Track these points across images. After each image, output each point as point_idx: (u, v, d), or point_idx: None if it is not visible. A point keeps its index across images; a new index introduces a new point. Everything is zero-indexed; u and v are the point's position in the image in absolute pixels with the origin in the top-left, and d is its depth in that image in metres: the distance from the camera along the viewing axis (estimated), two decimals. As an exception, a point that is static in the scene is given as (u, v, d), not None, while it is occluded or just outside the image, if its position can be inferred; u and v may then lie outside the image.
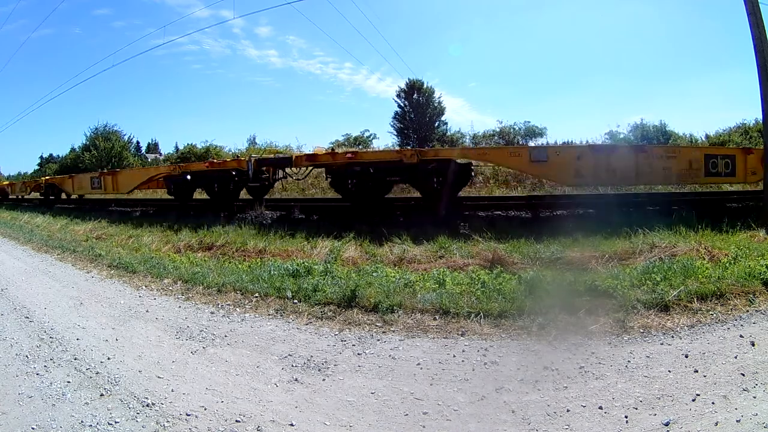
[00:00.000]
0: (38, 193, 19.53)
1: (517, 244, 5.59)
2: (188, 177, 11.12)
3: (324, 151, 10.27)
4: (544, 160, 7.52)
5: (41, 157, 50.26)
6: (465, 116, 77.34)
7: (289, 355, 3.29)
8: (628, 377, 2.72)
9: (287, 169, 10.27)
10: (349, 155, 8.91)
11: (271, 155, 10.90)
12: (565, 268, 4.66)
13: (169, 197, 12.66)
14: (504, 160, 8.34)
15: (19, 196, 22.04)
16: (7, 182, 27.12)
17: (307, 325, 3.85)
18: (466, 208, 8.98)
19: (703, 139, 20.27)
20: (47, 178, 20.40)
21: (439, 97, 34.97)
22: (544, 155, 7.61)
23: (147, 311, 4.39)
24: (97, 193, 15.23)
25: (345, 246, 6.16)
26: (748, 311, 3.51)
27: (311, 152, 10.30)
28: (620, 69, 57.57)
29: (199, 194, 12.37)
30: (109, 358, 3.28)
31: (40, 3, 68.00)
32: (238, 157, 11.29)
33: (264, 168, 10.02)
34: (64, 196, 17.94)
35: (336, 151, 11.13)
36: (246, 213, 9.51)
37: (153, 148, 52.64)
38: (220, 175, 10.56)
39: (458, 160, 8.39)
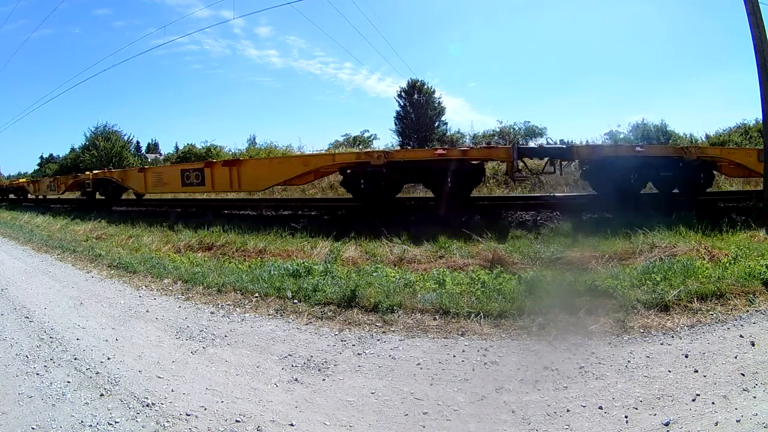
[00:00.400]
0: (79, 193, 15.46)
1: (517, 244, 5.60)
2: (384, 170, 8.29)
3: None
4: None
5: (41, 157, 50.43)
6: (465, 116, 77.58)
7: (289, 355, 3.29)
8: (628, 377, 2.72)
9: (527, 161, 8.78)
10: (638, 148, 8.54)
11: (540, 144, 9.48)
12: (565, 268, 4.66)
13: (343, 197, 9.93)
14: (742, 159, 8.62)
15: (41, 197, 18.27)
16: (25, 180, 24.07)
17: (307, 325, 3.85)
18: (711, 203, 8.64)
19: (704, 139, 20.27)
20: (97, 171, 15.21)
21: (439, 98, 35.05)
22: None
23: (147, 311, 4.39)
24: (194, 191, 11.14)
25: (345, 246, 6.17)
26: (748, 311, 3.51)
27: (593, 143, 9.39)
28: (620, 69, 57.87)
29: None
30: (109, 358, 3.28)
31: (41, 3, 68.16)
32: (489, 143, 9.25)
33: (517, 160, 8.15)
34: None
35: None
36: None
37: (153, 148, 52.71)
38: (456, 168, 8.00)
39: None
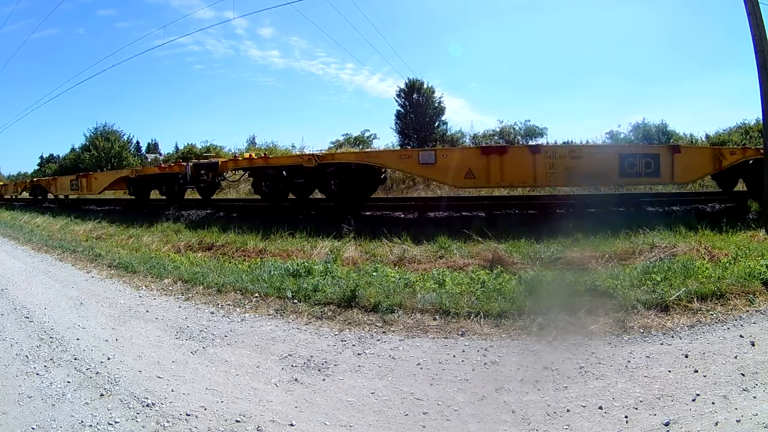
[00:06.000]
0: (27, 194, 21.51)
1: (517, 244, 5.59)
2: (139, 180, 13.03)
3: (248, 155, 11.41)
4: (432, 162, 7.57)
5: (41, 157, 50.31)
6: (465, 116, 77.52)
7: (289, 355, 3.29)
8: (628, 377, 2.72)
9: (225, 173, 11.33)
10: (261, 158, 9.94)
11: (206, 160, 11.93)
12: (565, 268, 4.66)
13: (132, 197, 14.34)
14: (395, 164, 8.41)
15: (12, 197, 24.23)
16: (1, 183, 28.93)
17: (307, 325, 3.85)
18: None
19: (704, 139, 20.26)
20: (35, 179, 23.51)
21: (440, 98, 34.95)
22: (432, 158, 7.64)
23: (147, 311, 4.38)
24: (75, 193, 16.69)
25: (345, 246, 6.17)
26: (748, 311, 3.51)
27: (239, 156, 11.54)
28: (621, 70, 57.66)
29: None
30: (109, 358, 3.28)
31: (46, 3, 67.96)
32: (188, 161, 12.60)
33: (203, 171, 10.82)
34: (51, 196, 19.43)
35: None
36: (187, 211, 10.40)
37: (153, 148, 52.56)
38: (168, 178, 11.92)
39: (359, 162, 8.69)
